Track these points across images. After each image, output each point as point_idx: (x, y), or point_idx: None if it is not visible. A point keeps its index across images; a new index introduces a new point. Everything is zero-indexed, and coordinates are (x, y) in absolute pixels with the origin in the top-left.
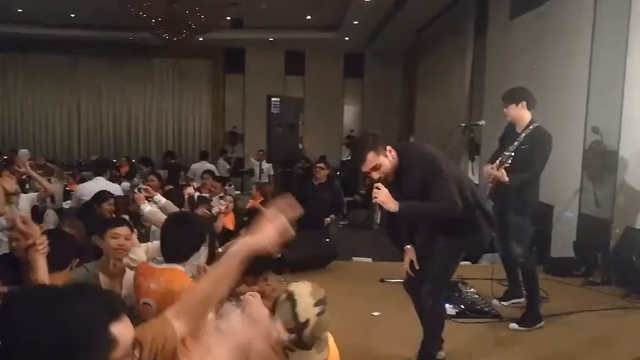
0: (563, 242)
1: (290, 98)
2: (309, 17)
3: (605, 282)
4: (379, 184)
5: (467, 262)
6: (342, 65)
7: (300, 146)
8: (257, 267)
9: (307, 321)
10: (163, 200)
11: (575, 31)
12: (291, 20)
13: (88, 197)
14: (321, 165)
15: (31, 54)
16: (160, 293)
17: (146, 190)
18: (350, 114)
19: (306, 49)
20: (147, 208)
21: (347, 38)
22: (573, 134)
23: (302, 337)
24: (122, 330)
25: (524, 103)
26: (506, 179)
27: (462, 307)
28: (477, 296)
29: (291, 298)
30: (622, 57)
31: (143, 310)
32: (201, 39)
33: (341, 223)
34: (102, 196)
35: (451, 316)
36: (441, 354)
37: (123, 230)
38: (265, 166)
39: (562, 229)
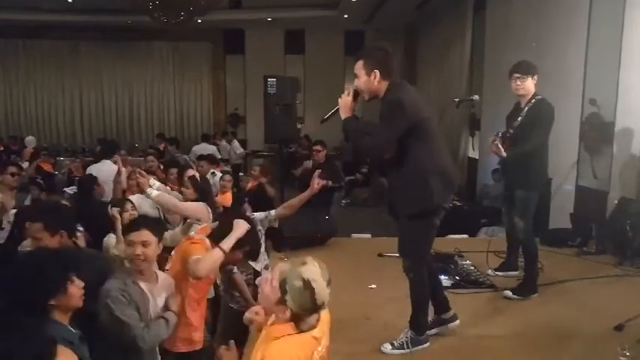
0: (560, 214)
1: (286, 78)
2: None
3: (599, 251)
4: (350, 91)
5: (464, 235)
6: (342, 43)
7: (299, 126)
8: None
9: (323, 303)
10: (157, 184)
11: (572, 3)
12: None
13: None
14: (318, 147)
15: (31, 40)
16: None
17: (140, 175)
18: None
19: (305, 28)
20: (154, 192)
21: (346, 16)
22: (571, 107)
23: (314, 313)
24: None
25: (536, 77)
26: (504, 154)
27: (457, 278)
28: (472, 268)
29: (308, 286)
30: (618, 29)
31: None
32: (199, 21)
33: (343, 201)
34: (89, 182)
35: (447, 287)
36: (449, 314)
37: (139, 236)
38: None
39: (560, 201)
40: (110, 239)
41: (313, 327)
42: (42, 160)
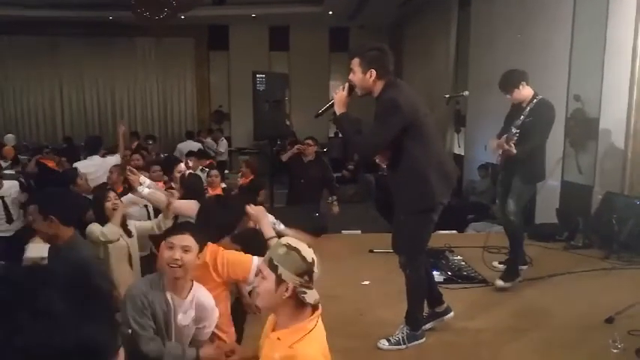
0: (546, 209)
1: (275, 74)
2: None
3: (586, 245)
4: (347, 85)
5: (453, 231)
6: (327, 40)
7: (288, 122)
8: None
9: (313, 260)
10: (148, 181)
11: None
12: None
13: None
14: (309, 142)
15: (8, 36)
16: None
17: (130, 172)
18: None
19: (290, 24)
20: (145, 190)
21: (331, 12)
22: (556, 102)
23: (312, 276)
24: None
25: (524, 83)
26: (514, 151)
27: (449, 273)
28: (463, 263)
29: (291, 247)
30: (602, 26)
31: None
32: (182, 17)
33: (330, 198)
34: (70, 175)
35: (439, 283)
36: (443, 306)
37: (182, 240)
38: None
39: (546, 196)
40: (94, 227)
41: (318, 301)
42: (44, 157)
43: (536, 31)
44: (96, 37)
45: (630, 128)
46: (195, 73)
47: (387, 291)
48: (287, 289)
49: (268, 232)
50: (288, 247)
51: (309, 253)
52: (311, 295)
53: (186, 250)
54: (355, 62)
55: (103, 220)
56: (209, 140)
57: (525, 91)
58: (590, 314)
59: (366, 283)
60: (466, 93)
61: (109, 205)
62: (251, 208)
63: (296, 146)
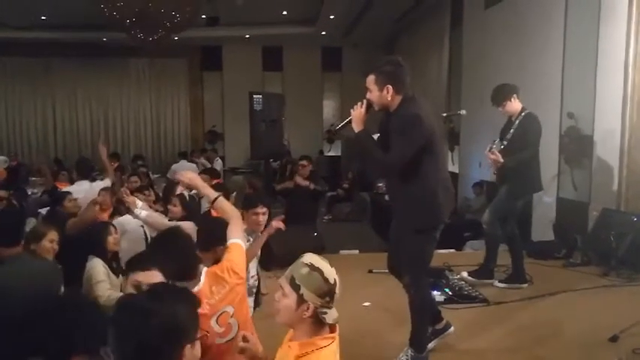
0: (543, 226)
1: (272, 94)
2: (285, 12)
3: (585, 262)
4: (365, 101)
5: (451, 250)
6: (319, 59)
7: (285, 142)
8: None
9: (335, 281)
10: (141, 203)
11: (548, 18)
12: (268, 16)
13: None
14: (303, 162)
15: (1, 57)
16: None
17: (125, 194)
18: (329, 108)
19: (283, 45)
20: (142, 212)
21: (324, 32)
22: (549, 120)
23: (333, 297)
24: (192, 353)
25: (514, 96)
26: (501, 160)
27: (450, 293)
28: (463, 282)
29: (314, 267)
30: (594, 43)
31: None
32: (176, 37)
33: (325, 217)
34: (60, 196)
35: (439, 303)
36: (442, 323)
37: (148, 277)
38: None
39: (542, 213)
40: (94, 262)
41: (337, 320)
42: (60, 181)
43: (528, 50)
44: (89, 58)
45: (624, 144)
46: (188, 93)
47: (389, 312)
48: (308, 308)
49: (210, 193)
50: (311, 267)
51: (331, 274)
52: (330, 315)
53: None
54: (371, 80)
55: (104, 255)
56: (202, 160)
57: (516, 105)
58: (593, 332)
59: (367, 304)
60: (463, 112)
61: (111, 240)
62: (182, 175)
63: (292, 181)
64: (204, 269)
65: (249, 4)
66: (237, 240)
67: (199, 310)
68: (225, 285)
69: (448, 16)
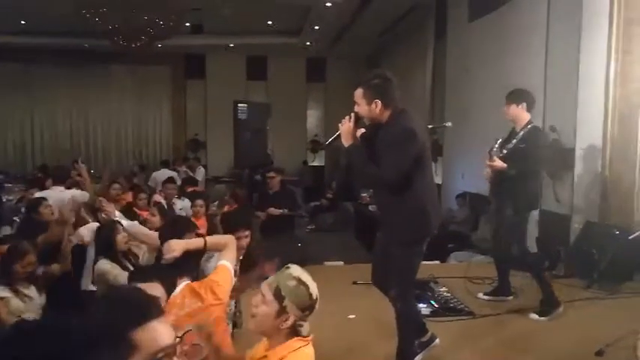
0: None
1: (257, 103)
2: (269, 22)
3: (568, 275)
4: (353, 115)
5: (436, 262)
6: (304, 70)
7: (269, 151)
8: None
9: (317, 297)
10: (118, 213)
11: (530, 32)
12: (252, 25)
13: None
14: (272, 174)
15: None
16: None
17: (101, 202)
18: (313, 118)
19: (267, 55)
20: (124, 221)
21: (308, 43)
22: None
23: (312, 310)
24: (148, 335)
25: (524, 104)
26: (504, 165)
27: (436, 306)
28: (449, 294)
29: (301, 282)
30: (575, 57)
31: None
32: (160, 45)
33: (308, 227)
34: (35, 203)
35: (425, 316)
36: (427, 335)
37: (149, 289)
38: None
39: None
40: (101, 264)
41: (309, 333)
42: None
43: (511, 63)
44: (70, 64)
45: (606, 158)
46: (171, 101)
47: (375, 324)
48: (287, 320)
49: (198, 243)
50: (299, 281)
51: (314, 290)
52: (306, 328)
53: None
54: (359, 94)
55: (111, 254)
56: (183, 169)
57: (521, 114)
58: (579, 346)
59: (352, 316)
60: (449, 124)
61: (120, 238)
62: (170, 253)
63: (264, 213)
64: (184, 283)
65: (233, 14)
66: (226, 263)
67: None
68: (199, 302)
69: (432, 29)
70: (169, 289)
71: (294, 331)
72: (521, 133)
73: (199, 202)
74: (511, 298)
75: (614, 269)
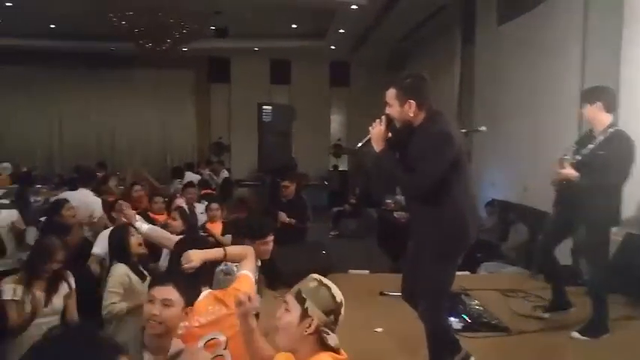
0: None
1: (282, 106)
2: (294, 26)
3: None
4: (384, 118)
5: (466, 272)
6: (327, 74)
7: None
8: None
9: (341, 301)
10: (138, 217)
11: (565, 36)
12: (277, 29)
13: None
14: (286, 183)
15: (7, 66)
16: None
17: (123, 206)
18: (336, 123)
19: (291, 58)
20: (144, 226)
21: (333, 47)
22: (566, 140)
23: (338, 318)
24: None
25: (600, 104)
26: (576, 174)
27: (469, 320)
28: (481, 308)
29: (323, 284)
30: (615, 60)
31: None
32: (184, 49)
33: (331, 232)
34: (58, 204)
35: (457, 331)
36: (462, 353)
37: (162, 292)
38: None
39: None
40: (116, 268)
41: (338, 346)
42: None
43: (544, 68)
44: (96, 68)
45: None
46: (195, 105)
47: (403, 339)
48: (310, 324)
49: (218, 254)
50: (320, 282)
51: (338, 294)
52: (333, 338)
53: (166, 304)
54: (391, 94)
55: (126, 257)
56: (206, 172)
57: (600, 115)
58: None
59: (379, 330)
60: (483, 128)
61: (134, 241)
62: (189, 263)
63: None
64: (207, 290)
65: (258, 17)
66: (248, 272)
67: (187, 323)
68: (223, 308)
69: (459, 34)
70: (191, 297)
71: (321, 341)
72: (601, 137)
73: (214, 205)
74: (573, 309)
75: None
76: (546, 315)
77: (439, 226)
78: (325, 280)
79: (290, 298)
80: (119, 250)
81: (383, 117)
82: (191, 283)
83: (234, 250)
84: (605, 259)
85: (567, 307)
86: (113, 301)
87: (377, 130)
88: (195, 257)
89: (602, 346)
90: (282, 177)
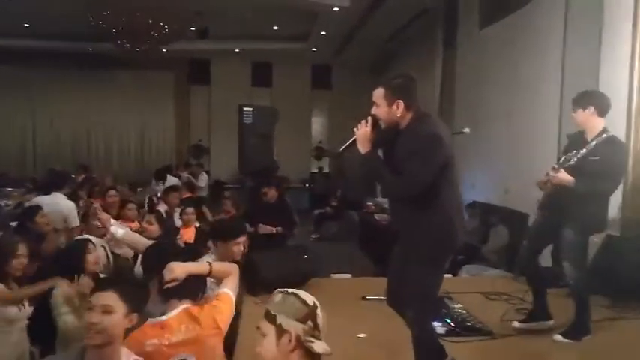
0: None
1: (264, 107)
2: (276, 28)
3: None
4: (370, 119)
5: (448, 275)
6: (309, 77)
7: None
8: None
9: (314, 303)
10: (113, 221)
11: (545, 38)
12: (258, 30)
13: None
14: (264, 190)
15: None
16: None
17: (98, 211)
18: (318, 125)
19: (273, 61)
20: (119, 230)
21: (314, 49)
22: (547, 142)
23: (316, 321)
24: None
25: (592, 108)
26: (571, 179)
27: (452, 324)
28: (465, 312)
29: (289, 293)
30: (595, 63)
31: None
32: (164, 50)
33: (312, 235)
34: (31, 211)
35: (440, 335)
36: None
37: (101, 298)
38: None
39: None
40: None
41: (329, 352)
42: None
43: (525, 70)
44: (73, 68)
45: (628, 172)
46: (175, 107)
47: (387, 344)
48: (290, 339)
49: (203, 269)
50: (285, 293)
51: (309, 297)
52: (319, 345)
53: (106, 310)
54: (379, 94)
55: (80, 273)
56: (185, 175)
57: (591, 120)
58: None
59: (363, 335)
60: (467, 130)
61: (90, 258)
62: (172, 274)
63: (258, 226)
64: (183, 305)
65: (239, 18)
66: (229, 291)
67: (156, 341)
68: (197, 327)
69: (441, 37)
70: (137, 303)
71: (307, 352)
72: (593, 143)
73: (190, 209)
74: (552, 322)
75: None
76: (524, 326)
77: (427, 231)
78: (290, 290)
79: (261, 322)
80: (74, 265)
81: (369, 118)
82: (137, 288)
83: (220, 266)
84: (585, 261)
85: (547, 318)
86: (70, 318)
87: (362, 131)
88: (178, 270)
89: (585, 348)
90: (263, 180)
